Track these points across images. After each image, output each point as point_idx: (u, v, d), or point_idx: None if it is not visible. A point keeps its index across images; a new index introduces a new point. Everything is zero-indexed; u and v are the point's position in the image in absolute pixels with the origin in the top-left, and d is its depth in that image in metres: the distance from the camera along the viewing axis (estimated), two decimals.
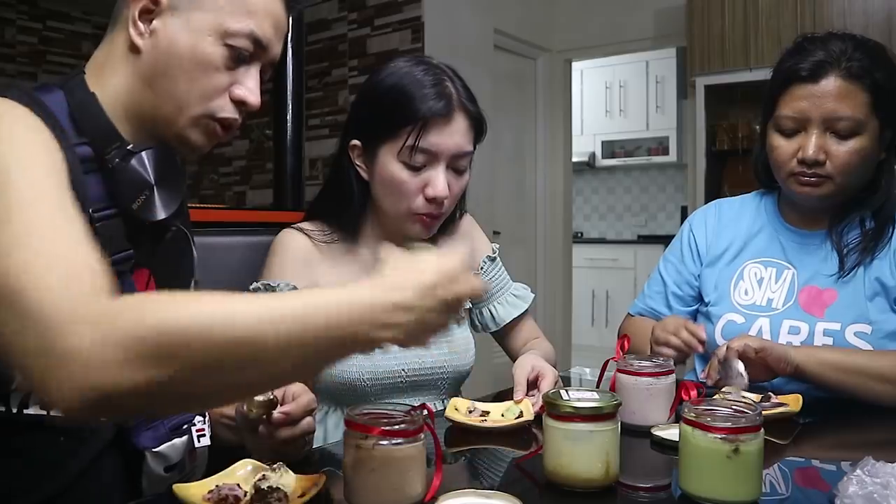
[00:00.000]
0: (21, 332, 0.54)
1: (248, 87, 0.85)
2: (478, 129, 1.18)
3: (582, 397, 0.79)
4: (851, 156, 1.18)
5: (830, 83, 1.18)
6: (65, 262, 0.58)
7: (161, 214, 0.85)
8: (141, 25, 0.82)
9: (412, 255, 0.65)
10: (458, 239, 1.32)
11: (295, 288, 1.12)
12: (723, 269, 1.35)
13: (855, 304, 1.21)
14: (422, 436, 0.73)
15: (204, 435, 0.90)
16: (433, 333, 0.64)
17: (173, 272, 0.94)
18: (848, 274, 1.23)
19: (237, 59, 0.84)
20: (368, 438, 0.70)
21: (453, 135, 1.12)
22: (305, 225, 1.21)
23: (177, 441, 0.87)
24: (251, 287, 1.15)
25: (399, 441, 0.70)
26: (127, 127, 0.84)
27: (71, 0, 4.93)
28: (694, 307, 1.40)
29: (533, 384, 1.11)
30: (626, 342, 1.11)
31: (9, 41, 4.69)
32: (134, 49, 0.82)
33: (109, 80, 0.84)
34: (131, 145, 0.82)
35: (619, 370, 1.04)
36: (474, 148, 1.19)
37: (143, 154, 0.82)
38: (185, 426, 0.88)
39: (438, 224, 1.19)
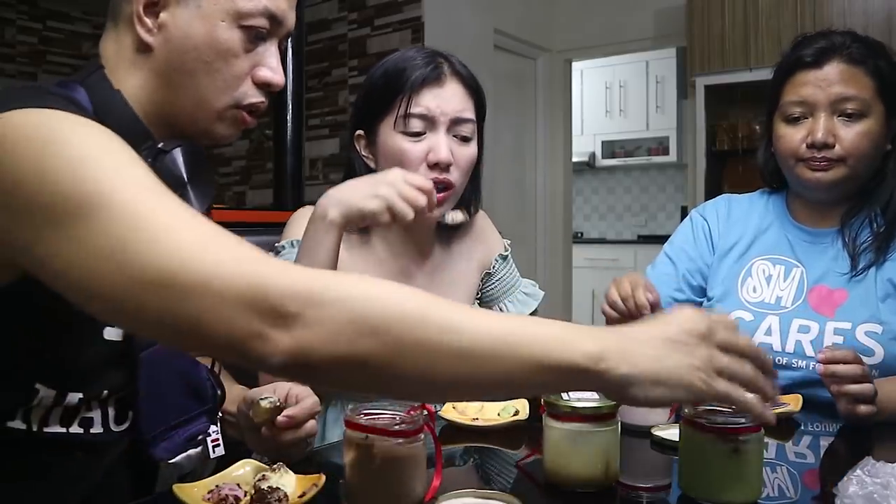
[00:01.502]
0: (217, 308, 0.53)
1: (271, 66, 0.82)
2: (476, 97, 1.16)
3: (582, 397, 0.79)
4: (861, 137, 1.19)
5: (834, 68, 1.20)
6: (223, 242, 0.57)
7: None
8: (148, 21, 0.77)
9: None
10: (473, 237, 1.30)
11: None
12: (731, 265, 1.34)
13: (866, 303, 1.20)
14: (422, 436, 0.73)
15: (219, 445, 0.89)
16: (692, 387, 0.59)
17: None
18: (860, 274, 1.22)
19: (255, 39, 0.79)
20: (368, 438, 0.70)
21: (447, 98, 1.11)
22: None
23: (192, 452, 0.86)
24: (276, 245, 1.14)
25: (399, 441, 0.70)
26: (148, 127, 0.80)
27: (71, 0, 4.93)
28: (702, 299, 1.37)
29: None
30: None
31: (9, 41, 4.69)
32: (144, 47, 0.77)
33: (124, 81, 0.79)
34: (161, 143, 0.79)
35: None
36: (478, 120, 1.16)
37: (176, 152, 0.79)
38: (200, 437, 0.87)
39: (448, 203, 1.15)
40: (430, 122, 1.10)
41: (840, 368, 0.99)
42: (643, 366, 0.58)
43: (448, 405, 1.05)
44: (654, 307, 1.08)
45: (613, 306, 1.11)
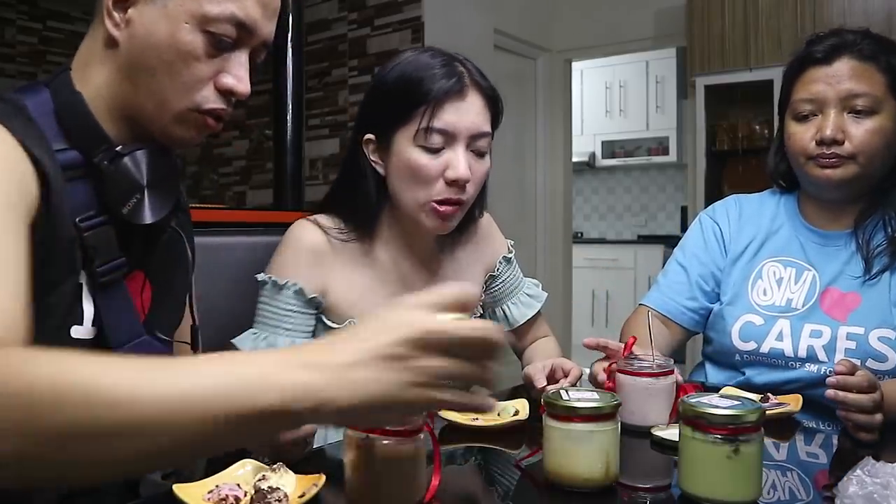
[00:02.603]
0: None
1: (236, 74, 0.80)
2: (494, 109, 1.14)
3: (582, 397, 0.79)
4: (872, 135, 1.17)
5: (844, 64, 1.18)
6: None
7: (153, 217, 0.80)
8: (116, 15, 0.77)
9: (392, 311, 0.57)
10: (478, 240, 1.29)
11: (301, 290, 1.10)
12: (742, 267, 1.32)
13: (879, 308, 1.18)
14: (421, 436, 0.73)
15: None
16: (389, 413, 0.56)
17: (169, 275, 0.92)
18: (874, 278, 1.20)
19: (219, 46, 0.78)
20: (368, 438, 0.70)
21: (469, 113, 1.09)
22: (322, 219, 1.16)
23: None
24: (259, 277, 1.13)
25: (399, 440, 0.70)
26: (113, 126, 0.80)
27: (71, 0, 4.93)
28: (714, 304, 1.34)
29: (551, 378, 1.10)
30: (632, 342, 1.09)
31: (9, 41, 4.69)
32: (111, 42, 0.77)
33: (92, 76, 0.79)
34: (120, 147, 0.78)
35: (618, 370, 1.03)
36: (493, 131, 1.15)
37: (134, 155, 0.78)
38: None
39: (458, 217, 1.13)
40: (450, 137, 1.08)
41: (851, 398, 0.94)
42: (357, 394, 0.53)
43: None
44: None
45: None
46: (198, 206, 2.48)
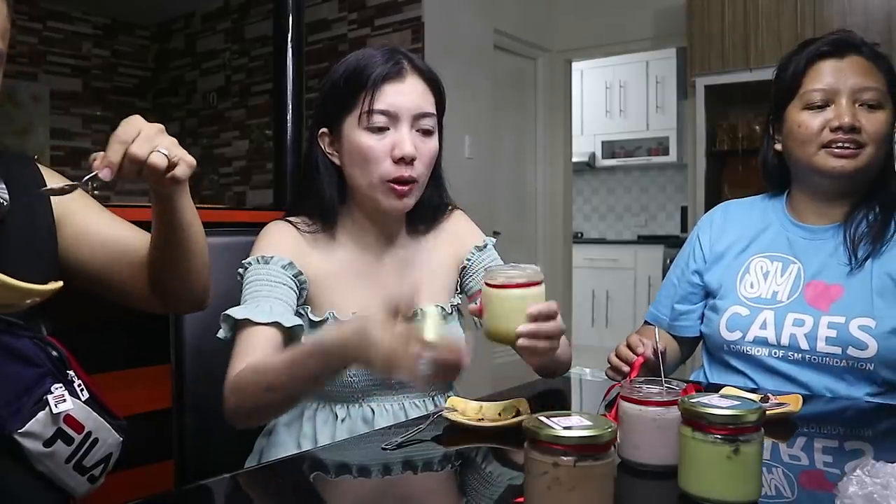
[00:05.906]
0: None
1: None
2: (436, 92, 1.19)
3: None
4: (882, 125, 1.24)
5: (855, 60, 1.26)
6: None
7: None
8: None
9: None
10: (444, 234, 1.30)
11: (291, 263, 1.12)
12: (730, 264, 1.38)
13: (861, 298, 1.22)
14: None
15: (64, 400, 0.87)
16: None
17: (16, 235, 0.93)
18: (859, 266, 1.24)
19: None
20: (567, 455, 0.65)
21: (409, 93, 1.14)
22: (290, 218, 1.21)
23: (40, 415, 0.84)
24: (244, 262, 1.14)
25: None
26: None
27: (71, 0, 4.93)
28: (698, 304, 1.43)
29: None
30: (640, 363, 1.06)
31: (9, 41, 4.69)
32: None
33: None
34: None
35: (622, 397, 0.89)
36: (438, 114, 1.19)
37: None
38: (44, 397, 0.85)
39: (414, 195, 1.17)
40: (392, 117, 1.13)
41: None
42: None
43: (449, 404, 1.05)
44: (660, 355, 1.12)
45: (610, 360, 1.27)
46: (198, 206, 2.47)
